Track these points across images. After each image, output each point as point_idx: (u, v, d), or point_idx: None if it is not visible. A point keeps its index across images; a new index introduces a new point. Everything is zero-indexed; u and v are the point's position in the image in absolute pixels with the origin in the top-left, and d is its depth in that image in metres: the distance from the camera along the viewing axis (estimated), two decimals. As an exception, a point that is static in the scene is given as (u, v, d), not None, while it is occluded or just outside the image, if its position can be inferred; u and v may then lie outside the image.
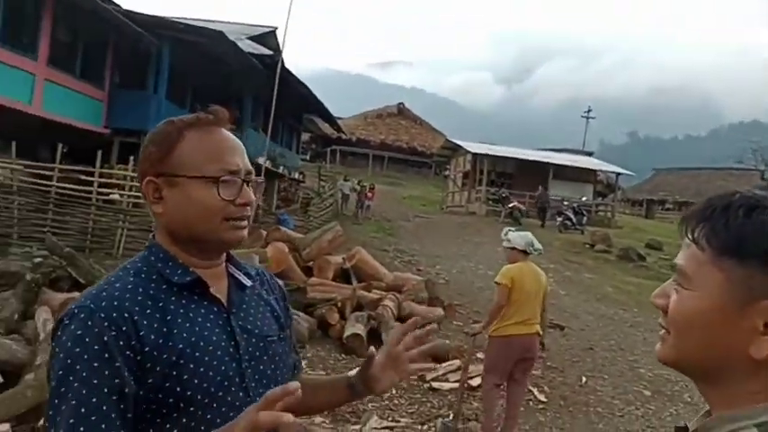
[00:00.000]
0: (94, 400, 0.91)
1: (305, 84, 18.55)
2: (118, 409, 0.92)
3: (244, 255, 7.35)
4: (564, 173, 27.31)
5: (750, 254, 0.69)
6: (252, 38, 16.29)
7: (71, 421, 0.90)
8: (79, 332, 0.94)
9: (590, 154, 37.85)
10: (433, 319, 7.65)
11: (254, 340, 1.09)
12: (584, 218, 22.76)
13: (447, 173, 32.01)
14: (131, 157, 10.60)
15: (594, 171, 29.81)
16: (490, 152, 27.17)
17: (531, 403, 5.51)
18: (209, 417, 0.99)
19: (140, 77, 14.19)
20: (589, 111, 46.72)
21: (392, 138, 43.90)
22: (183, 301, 1.03)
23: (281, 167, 20.22)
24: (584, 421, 5.24)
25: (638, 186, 47.97)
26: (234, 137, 1.11)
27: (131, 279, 1.02)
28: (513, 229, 5.16)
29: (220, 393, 1.00)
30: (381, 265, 9.39)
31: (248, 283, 1.14)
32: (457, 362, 6.20)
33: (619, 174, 29.92)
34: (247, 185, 1.08)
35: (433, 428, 4.70)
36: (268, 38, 17.29)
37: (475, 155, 27.20)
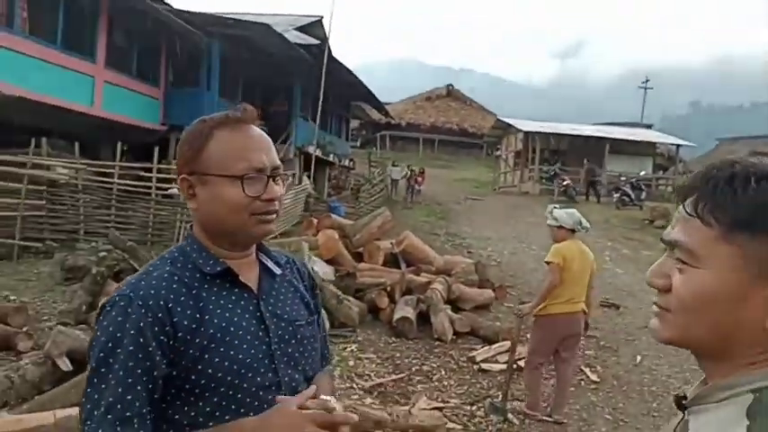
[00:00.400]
0: (130, 380, 1.00)
1: (352, 71, 18.64)
2: (147, 390, 1.01)
3: (295, 243, 7.55)
4: (621, 147, 26.45)
5: (764, 227, 0.68)
6: (298, 28, 16.47)
7: (110, 399, 0.99)
8: (120, 318, 1.03)
9: (649, 126, 36.41)
10: (483, 302, 7.68)
11: (283, 324, 1.16)
12: (643, 193, 22.02)
13: (498, 153, 31.56)
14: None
15: (653, 144, 28.75)
16: (542, 129, 26.59)
17: (582, 383, 5.47)
18: (239, 396, 1.06)
19: (193, 74, 14.63)
20: (647, 81, 44.86)
21: (442, 120, 43.52)
22: (215, 289, 1.11)
23: (331, 155, 20.45)
24: (638, 400, 5.16)
25: (702, 158, 45.88)
26: (262, 133, 1.17)
27: (168, 268, 1.11)
28: (557, 206, 5.08)
29: (250, 374, 1.08)
30: (431, 249, 9.43)
31: (278, 271, 1.22)
32: (507, 343, 6.18)
33: (679, 146, 28.77)
34: (274, 181, 1.14)
35: (482, 409, 4.74)
36: (314, 27, 17.42)
37: (527, 133, 26.69)
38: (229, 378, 1.06)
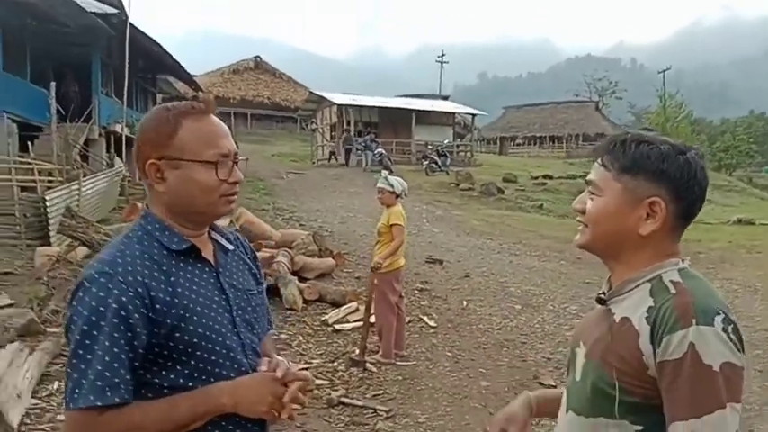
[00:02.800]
0: (116, 350, 1.11)
1: (157, 42, 17.52)
2: (129, 359, 1.13)
3: (126, 229, 7.22)
4: (426, 118, 28.51)
5: (639, 171, 1.15)
6: (92, -4, 15.02)
7: (98, 368, 1.10)
8: (101, 294, 1.13)
9: (446, 98, 39.46)
10: (326, 270, 8.12)
11: (239, 294, 1.31)
12: (448, 159, 24.15)
13: (314, 126, 32.02)
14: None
15: (453, 114, 31.36)
16: (355, 102, 27.58)
17: (423, 330, 6.20)
18: (213, 358, 1.21)
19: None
20: (443, 55, 48.34)
21: (252, 93, 42.49)
22: (182, 265, 1.23)
23: (140, 134, 19.12)
24: (470, 337, 6.03)
25: (491, 125, 51.03)
26: (221, 122, 1.30)
27: (137, 246, 1.21)
28: (389, 173, 5.71)
29: (219, 339, 1.22)
30: (267, 225, 9.58)
31: (231, 247, 1.36)
32: (354, 304, 6.71)
33: (474, 115, 31.74)
34: (236, 165, 1.29)
35: (343, 364, 5.19)
36: (110, -5, 16.00)
37: (340, 106, 27.48)
38: (204, 343, 1.19)
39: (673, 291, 1.12)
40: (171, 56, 19.16)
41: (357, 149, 24.91)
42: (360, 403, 4.40)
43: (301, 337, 5.82)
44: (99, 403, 1.09)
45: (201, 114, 1.27)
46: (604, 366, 1.14)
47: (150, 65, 20.66)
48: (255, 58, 45.44)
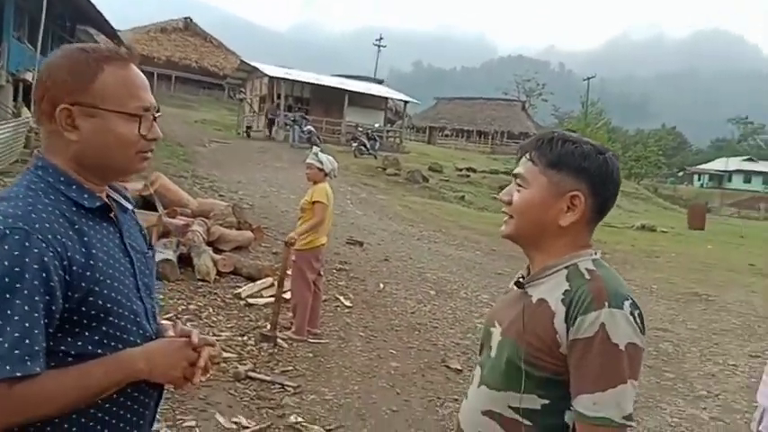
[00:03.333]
0: (36, 315, 1.00)
1: (78, -11, 16.35)
2: (45, 323, 1.02)
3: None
4: (359, 100, 28.38)
5: (563, 167, 1.24)
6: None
7: (16, 335, 0.97)
8: (16, 252, 0.99)
9: (380, 82, 39.45)
10: (243, 243, 7.93)
11: (139, 256, 1.23)
12: (377, 143, 24.21)
13: (242, 96, 31.13)
14: None
15: (386, 99, 31.39)
16: (288, 76, 27.01)
17: (338, 309, 6.19)
18: (122, 324, 1.13)
19: None
20: (380, 39, 48.23)
21: (179, 55, 40.79)
22: (91, 223, 1.13)
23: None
24: (384, 319, 6.08)
25: (423, 114, 51.63)
26: (141, 73, 1.19)
27: (45, 200, 1.07)
28: (320, 149, 5.63)
29: (128, 303, 1.15)
30: (184, 192, 9.23)
31: (129, 206, 1.27)
32: (269, 279, 6.59)
33: (407, 102, 31.93)
34: (155, 121, 1.19)
35: (253, 338, 5.09)
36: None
37: (272, 78, 26.83)
38: (115, 308, 1.11)
39: (587, 277, 1.22)
40: (93, 6, 17.95)
41: (286, 124, 24.48)
42: (267, 378, 4.33)
43: (211, 309, 5.65)
44: (19, 374, 0.97)
45: (124, 62, 1.16)
46: (519, 343, 1.22)
47: (70, 13, 19.28)
48: (186, 18, 43.65)
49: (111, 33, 22.90)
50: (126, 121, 1.14)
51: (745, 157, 65.49)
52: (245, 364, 4.49)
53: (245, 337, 5.12)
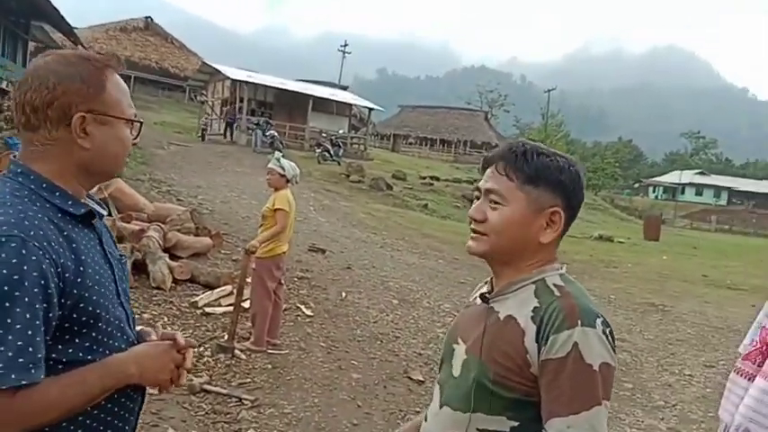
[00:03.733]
0: (37, 322, 1.00)
1: (33, -16, 15.79)
2: (43, 331, 1.02)
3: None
4: (323, 105, 28.26)
5: (540, 182, 1.19)
6: None
7: (19, 344, 0.97)
8: (14, 260, 0.99)
9: (345, 88, 39.44)
10: (201, 249, 7.71)
11: (116, 262, 1.24)
12: (341, 150, 24.12)
13: (204, 98, 30.60)
14: None
15: (351, 105, 31.34)
16: (251, 80, 26.71)
17: (299, 318, 6.05)
18: (110, 329, 1.14)
19: None
20: (345, 45, 48.22)
21: (139, 55, 39.87)
22: (77, 230, 1.13)
23: (5, 82, 17.21)
24: (346, 329, 5.97)
25: (386, 122, 51.81)
26: None
27: (34, 207, 1.07)
28: (282, 155, 5.51)
29: (113, 309, 1.16)
30: (140, 196, 8.94)
31: (104, 212, 1.27)
32: (228, 287, 6.42)
33: (371, 109, 31.96)
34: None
35: (210, 349, 4.92)
36: None
37: (234, 81, 26.48)
38: (103, 314, 1.12)
39: (557, 293, 1.16)
40: (50, 1, 17.35)
41: (248, 128, 24.15)
42: (224, 391, 4.18)
43: (166, 318, 5.45)
44: (24, 382, 0.98)
45: (115, 69, 1.20)
46: (487, 362, 1.16)
47: (24, 9, 18.58)
48: (147, 18, 42.79)
49: (67, 31, 22.19)
50: (125, 126, 1.19)
51: (697, 171, 67.91)
52: (200, 377, 4.32)
53: (202, 348, 4.94)
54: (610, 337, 1.13)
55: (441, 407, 1.24)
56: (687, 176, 62.42)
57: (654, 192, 68.78)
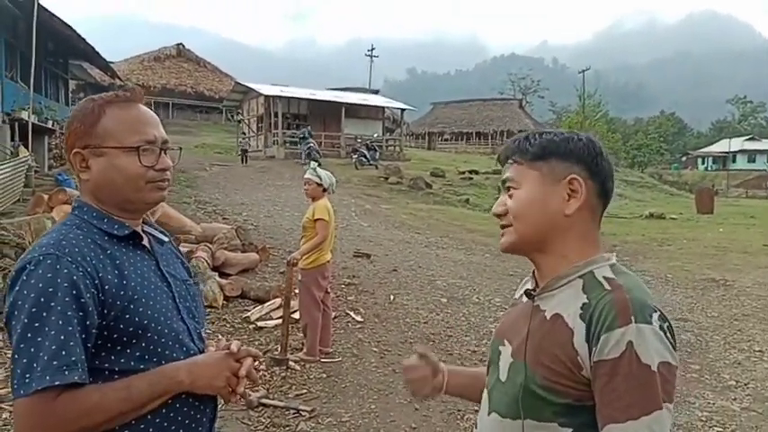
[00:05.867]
0: (70, 328, 1.07)
1: (69, 25, 16.43)
2: (83, 339, 1.09)
3: (35, 220, 6.67)
4: (355, 111, 28.39)
5: (550, 155, 1.15)
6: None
7: (53, 348, 1.04)
8: (49, 275, 1.09)
9: (376, 92, 39.55)
10: (249, 265, 7.84)
11: (178, 282, 1.32)
12: (377, 153, 24.16)
13: (240, 117, 31.18)
14: None
15: (383, 108, 31.39)
16: (283, 94, 27.09)
17: (349, 325, 6.07)
18: (163, 341, 1.20)
19: None
20: (372, 49, 48.35)
21: (174, 82, 40.98)
22: (124, 250, 1.23)
23: (50, 122, 17.95)
24: (396, 332, 5.95)
25: (420, 120, 51.62)
26: (149, 110, 1.31)
27: (78, 232, 1.19)
28: (318, 165, 5.54)
29: (168, 322, 1.22)
30: (187, 218, 9.15)
31: (165, 239, 1.38)
32: (278, 300, 6.49)
33: (403, 110, 31.93)
34: (165, 153, 1.29)
35: (264, 363, 4.98)
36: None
37: (267, 97, 26.89)
38: (153, 325, 1.18)
39: (607, 287, 1.07)
40: (84, 40, 18.03)
41: (293, 141, 24.44)
42: (281, 404, 4.22)
43: (221, 336, 5.53)
44: (57, 382, 1.03)
45: (126, 102, 1.28)
46: (534, 366, 1.09)
47: (62, 49, 19.39)
48: (178, 45, 43.89)
49: (103, 66, 23.05)
50: (126, 154, 1.24)
51: (747, 137, 65.08)
52: (257, 391, 4.37)
53: (256, 363, 5.00)
54: (669, 333, 1.04)
55: (489, 413, 1.18)
56: (737, 144, 59.88)
57: (703, 163, 66.27)
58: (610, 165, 1.18)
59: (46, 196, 8.81)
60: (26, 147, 14.10)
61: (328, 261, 5.28)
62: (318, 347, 5.17)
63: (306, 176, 5.28)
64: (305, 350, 5.17)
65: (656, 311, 1.04)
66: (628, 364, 0.99)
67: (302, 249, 5.08)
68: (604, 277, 1.09)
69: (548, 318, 1.11)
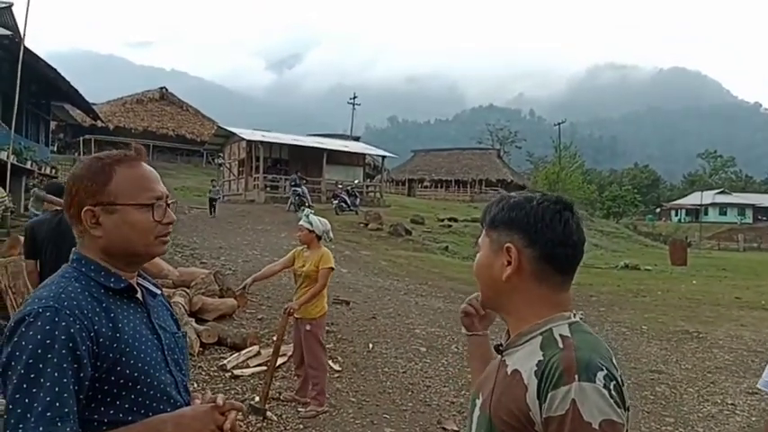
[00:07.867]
0: (65, 380, 1.11)
1: (53, 67, 16.53)
2: (76, 392, 1.13)
3: (12, 263, 6.58)
4: (337, 157, 28.69)
5: (497, 224, 1.25)
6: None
7: (47, 399, 1.09)
8: (48, 327, 1.14)
9: (357, 138, 40.08)
10: (226, 311, 7.76)
11: (167, 335, 1.37)
12: (358, 199, 24.34)
13: (221, 161, 31.27)
14: None
15: (364, 155, 31.78)
16: (265, 139, 27.33)
17: (328, 374, 6.01)
18: (152, 393, 1.25)
19: None
20: (354, 97, 49.25)
21: (156, 125, 41.12)
22: (119, 302, 1.28)
23: (30, 162, 17.82)
24: (375, 382, 5.91)
25: (401, 167, 52.27)
26: (152, 168, 1.38)
27: (76, 284, 1.24)
28: (312, 212, 5.59)
29: (157, 374, 1.27)
30: (164, 262, 9.08)
31: (158, 291, 1.43)
32: (255, 348, 6.44)
33: (384, 156, 32.35)
34: (168, 207, 1.36)
35: (240, 413, 4.90)
36: (2, 14, 15.00)
37: (250, 142, 27.09)
38: (143, 377, 1.23)
39: (561, 345, 1.13)
40: (67, 82, 18.12)
41: (266, 186, 24.48)
42: (257, 456, 4.14)
43: (196, 384, 5.45)
44: None
45: (133, 161, 1.35)
46: (496, 419, 1.15)
47: (44, 90, 19.41)
48: (161, 88, 44.26)
49: (85, 108, 23.09)
50: (140, 211, 1.31)
51: (718, 191, 66.93)
52: (233, 442, 4.30)
53: (239, 415, 4.92)
54: (614, 392, 1.07)
55: None
56: (708, 197, 61.50)
57: (676, 215, 67.80)
58: (557, 231, 1.18)
59: (22, 238, 8.70)
60: (3, 187, 13.95)
61: (327, 310, 5.34)
62: (298, 397, 5.12)
63: (299, 223, 5.32)
64: (316, 401, 5.00)
65: (601, 369, 1.08)
66: (571, 421, 1.04)
67: (302, 299, 5.04)
68: (560, 335, 1.15)
69: (509, 373, 1.17)
